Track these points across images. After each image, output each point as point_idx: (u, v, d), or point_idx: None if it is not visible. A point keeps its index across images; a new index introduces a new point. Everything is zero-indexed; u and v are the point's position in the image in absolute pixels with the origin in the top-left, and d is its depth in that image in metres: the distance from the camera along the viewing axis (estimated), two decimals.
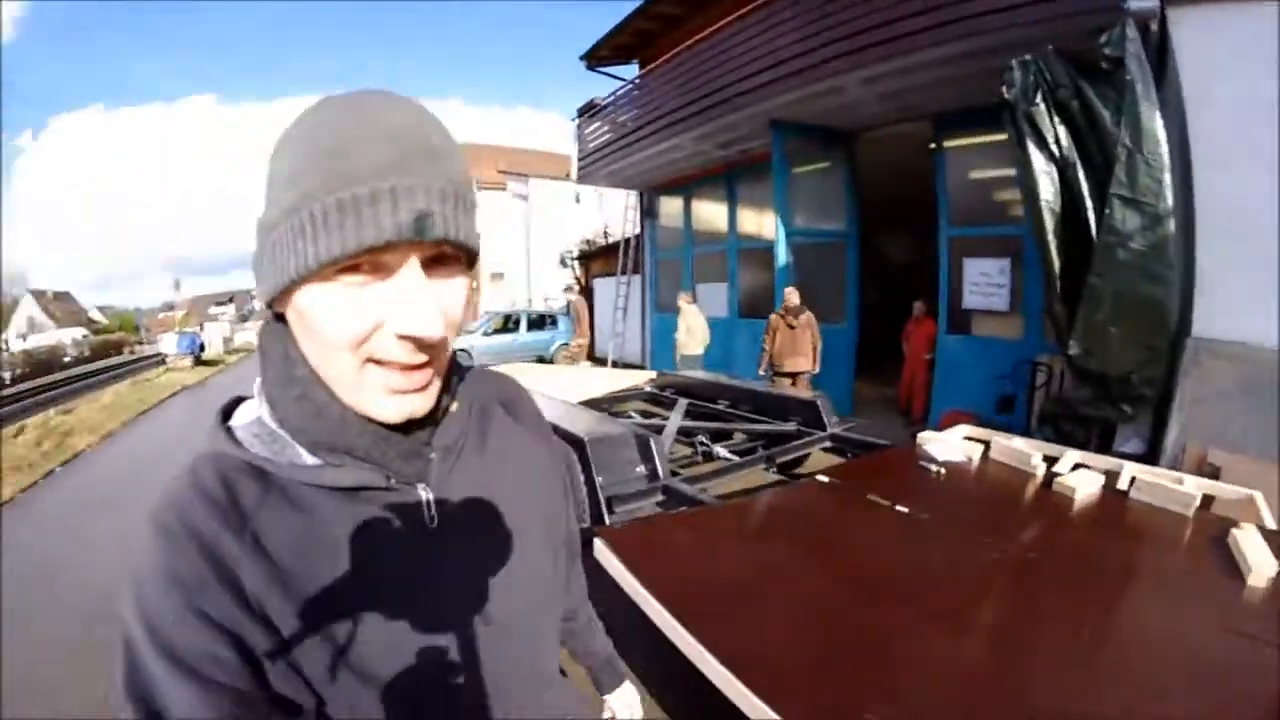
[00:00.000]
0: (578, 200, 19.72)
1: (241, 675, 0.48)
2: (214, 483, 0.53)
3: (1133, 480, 2.37)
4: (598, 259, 15.00)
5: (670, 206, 11.17)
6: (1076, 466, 2.55)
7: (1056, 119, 4.28)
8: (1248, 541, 1.78)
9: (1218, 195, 4.01)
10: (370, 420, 0.56)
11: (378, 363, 0.53)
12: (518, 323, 14.38)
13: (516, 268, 21.30)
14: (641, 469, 2.89)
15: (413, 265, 0.50)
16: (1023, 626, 1.62)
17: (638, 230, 12.02)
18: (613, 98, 9.92)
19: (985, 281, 6.17)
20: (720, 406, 4.61)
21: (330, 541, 0.55)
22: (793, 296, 6.53)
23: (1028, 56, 4.28)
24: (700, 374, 5.79)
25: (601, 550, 1.98)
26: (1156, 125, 3.89)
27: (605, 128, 10.04)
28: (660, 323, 11.20)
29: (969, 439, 3.08)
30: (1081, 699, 1.29)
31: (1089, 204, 4.24)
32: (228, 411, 0.61)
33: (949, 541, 2.14)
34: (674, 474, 3.05)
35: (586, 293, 15.46)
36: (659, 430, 3.77)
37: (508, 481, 0.68)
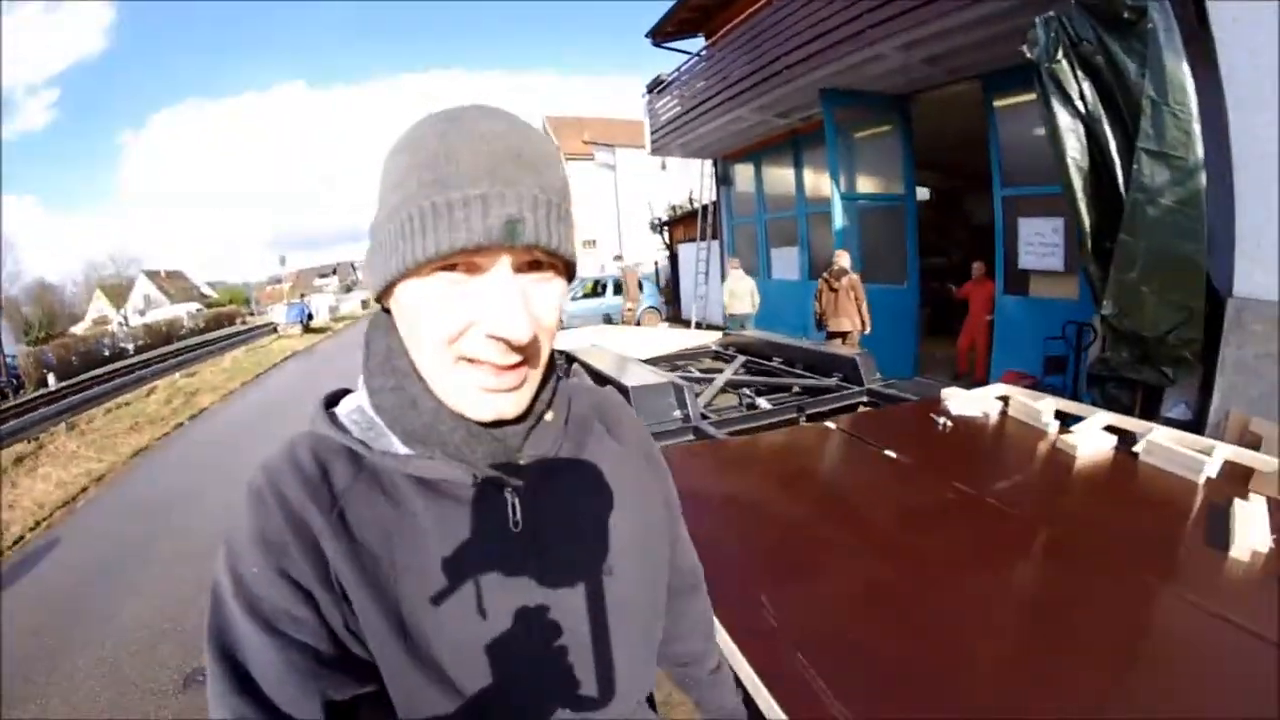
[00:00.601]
0: (664, 167, 19.93)
1: (315, 635, 0.50)
2: (308, 459, 0.55)
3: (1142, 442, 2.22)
4: (681, 225, 15.27)
5: (743, 173, 11.23)
6: (1107, 428, 2.39)
7: (1080, 74, 4.14)
8: (1247, 513, 1.64)
9: (1259, 141, 3.70)
10: (463, 417, 0.56)
11: (470, 361, 0.53)
12: (604, 287, 15.01)
13: (608, 234, 21.93)
14: (678, 413, 3.34)
15: (502, 268, 0.51)
16: (937, 563, 1.68)
17: (714, 197, 12.21)
18: (676, 73, 10.06)
19: (1039, 241, 5.97)
20: (774, 363, 4.92)
21: (412, 529, 0.56)
22: (840, 259, 6.66)
23: (1050, 13, 4.16)
24: (758, 333, 6.19)
25: None
26: (1183, 74, 3.71)
27: (673, 101, 10.22)
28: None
29: (1000, 398, 2.96)
30: (977, 646, 1.30)
31: (1117, 160, 4.09)
32: (331, 400, 0.63)
33: (917, 482, 2.24)
34: (704, 418, 3.46)
35: (672, 257, 15.90)
36: (709, 382, 4.33)
37: (600, 498, 0.67)
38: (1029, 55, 4.29)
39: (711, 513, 2.10)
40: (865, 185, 7.80)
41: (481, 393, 0.55)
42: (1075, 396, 5.07)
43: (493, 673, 0.56)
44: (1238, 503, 1.69)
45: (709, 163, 11.96)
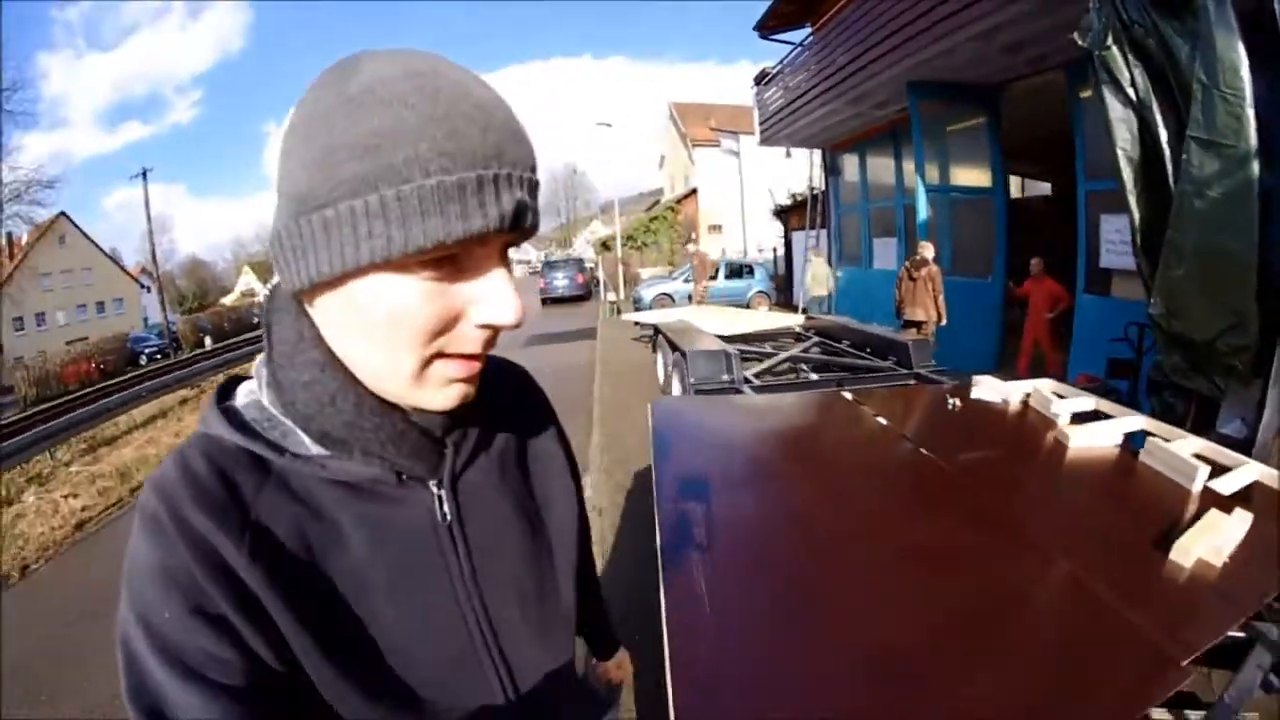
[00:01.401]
0: (788, 155, 19.70)
1: (244, 673, 0.44)
2: (205, 470, 0.47)
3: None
4: (796, 213, 15.18)
5: (849, 164, 11.01)
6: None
7: (1133, 60, 3.89)
8: (1216, 525, 1.53)
9: None
10: (390, 411, 0.51)
11: (443, 356, 0.48)
12: (717, 272, 15.42)
13: (733, 220, 22.11)
14: (725, 376, 3.97)
15: (499, 255, 0.47)
16: (858, 505, 1.85)
17: (823, 187, 12.11)
18: (780, 65, 10.09)
19: (1119, 239, 5.49)
20: (841, 345, 5.27)
21: (333, 538, 0.50)
22: (923, 250, 6.58)
23: None
24: (835, 318, 6.61)
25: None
26: (1236, 54, 3.38)
27: (778, 93, 10.28)
28: (844, 273, 11.37)
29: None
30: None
31: (1167, 151, 3.80)
32: (225, 391, 0.54)
33: (885, 443, 2.38)
34: (747, 381, 4.03)
35: (787, 244, 15.90)
36: (773, 355, 5.06)
37: (521, 477, 0.64)
38: (1081, 43, 4.08)
39: (694, 441, 2.48)
40: (956, 178, 7.50)
41: (449, 384, 0.49)
42: (1134, 402, 4.73)
43: (435, 673, 0.54)
44: (1212, 514, 1.57)
45: (818, 153, 11.88)
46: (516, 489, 0.63)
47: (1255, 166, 3.44)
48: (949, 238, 7.69)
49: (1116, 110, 4.03)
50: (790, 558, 1.55)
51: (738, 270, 15.83)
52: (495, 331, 0.49)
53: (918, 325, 6.57)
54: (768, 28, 10.99)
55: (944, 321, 6.54)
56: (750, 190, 20.92)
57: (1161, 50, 3.83)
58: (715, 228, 23.11)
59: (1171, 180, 3.82)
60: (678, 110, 25.48)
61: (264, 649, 0.45)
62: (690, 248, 16.62)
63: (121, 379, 13.74)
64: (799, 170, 19.40)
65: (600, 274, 19.27)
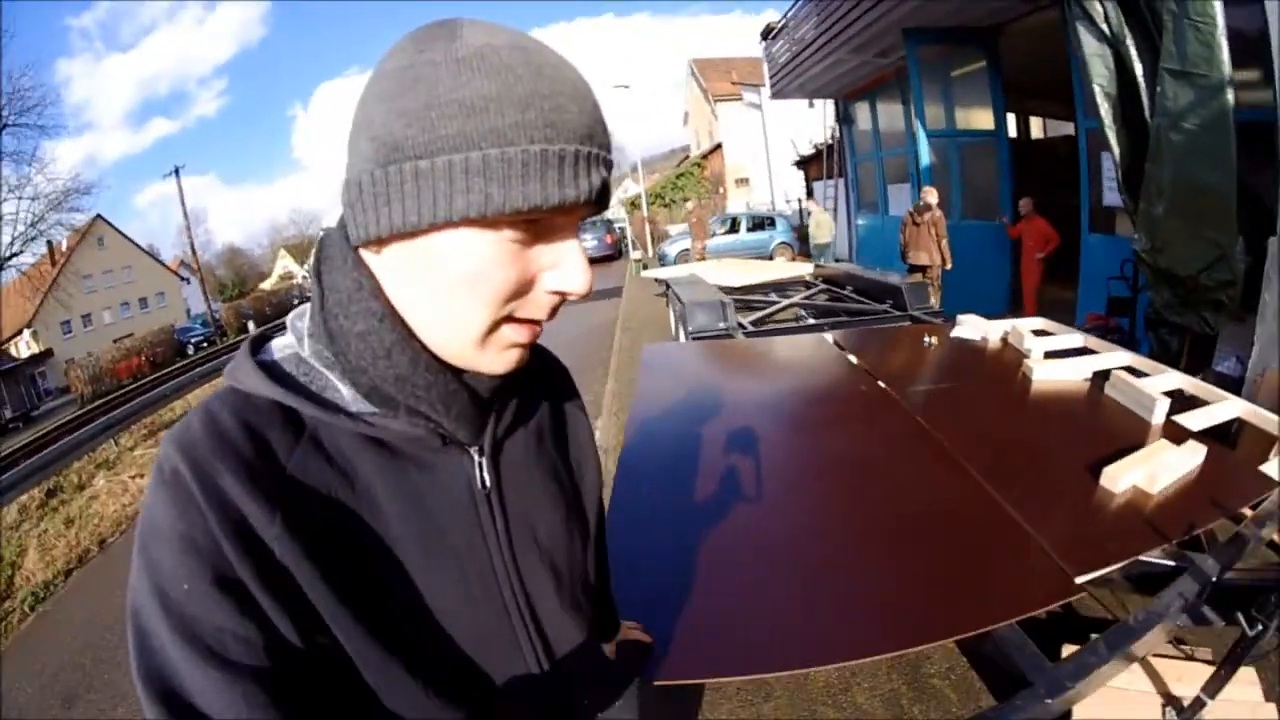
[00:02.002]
0: (810, 105, 19.23)
1: (270, 653, 0.41)
2: (236, 429, 0.44)
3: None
4: (814, 163, 15.00)
5: (861, 112, 10.83)
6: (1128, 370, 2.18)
7: None
8: (1156, 459, 1.53)
9: None
10: (443, 368, 0.49)
11: (512, 320, 0.48)
12: (738, 224, 15.66)
13: (759, 172, 21.81)
14: (721, 324, 4.18)
15: (574, 227, 0.48)
16: (804, 428, 2.07)
17: (839, 136, 11.94)
18: (784, 19, 9.94)
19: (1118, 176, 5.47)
20: (845, 290, 5.46)
21: (369, 502, 0.48)
22: (926, 195, 6.59)
23: None
24: (842, 266, 6.84)
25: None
26: None
27: (785, 46, 10.12)
28: (863, 221, 11.33)
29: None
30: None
31: (1143, 85, 3.78)
32: (256, 345, 0.51)
33: (846, 377, 2.57)
34: (740, 327, 4.26)
35: (808, 194, 15.76)
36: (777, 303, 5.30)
37: (555, 449, 0.64)
38: None
39: (675, 378, 2.83)
40: (962, 122, 7.43)
41: (510, 349, 0.49)
42: (1134, 340, 4.75)
43: (472, 646, 0.53)
44: (1158, 444, 1.60)
45: (832, 103, 11.70)
46: (550, 460, 0.63)
47: (1229, 96, 3.37)
48: (960, 182, 7.65)
49: (1091, 45, 4.01)
50: (731, 471, 1.77)
51: (760, 223, 15.82)
52: (562, 299, 0.50)
53: (923, 270, 6.62)
54: None
55: (949, 265, 6.56)
56: (775, 142, 20.53)
57: None
58: (742, 181, 22.85)
59: (1148, 114, 3.80)
60: (698, 67, 24.95)
61: (290, 625, 0.43)
62: (689, 205, 16.70)
63: (172, 368, 14.37)
64: (822, 120, 19.01)
65: (629, 233, 19.45)
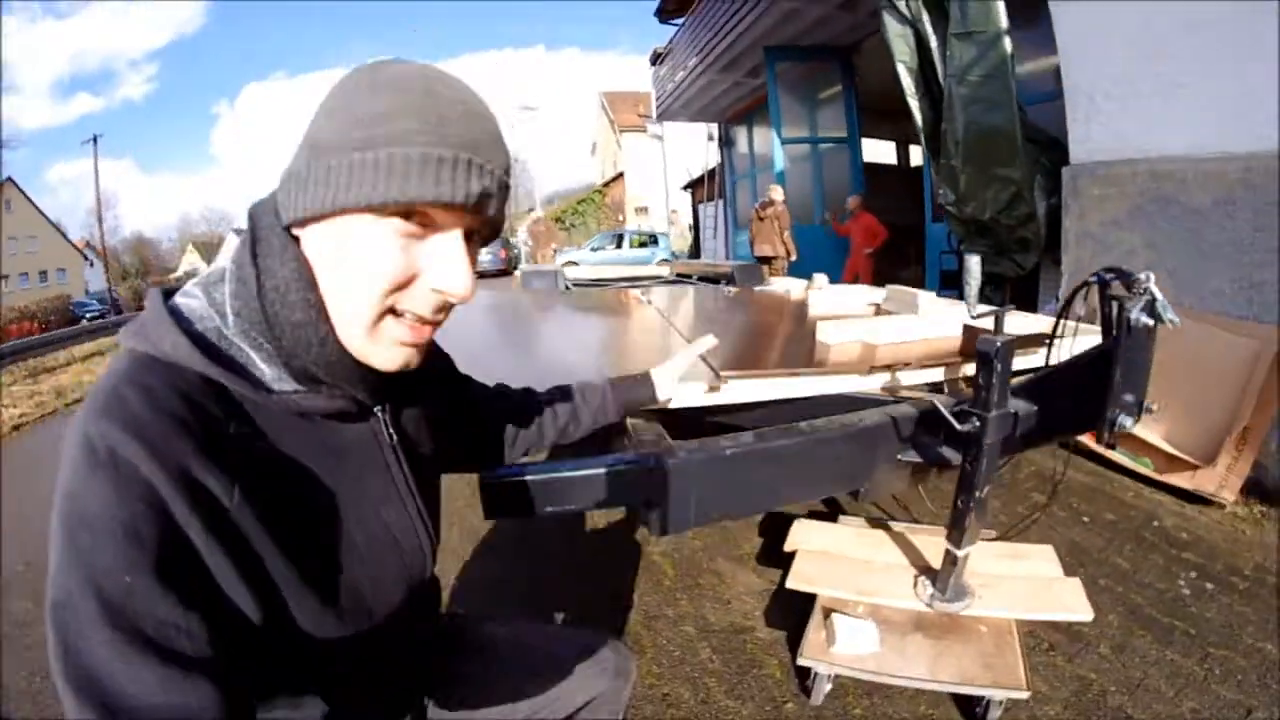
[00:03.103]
0: (710, 137, 20.48)
1: (215, 644, 0.40)
2: (180, 405, 0.44)
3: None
4: (700, 187, 16.03)
5: (740, 135, 11.76)
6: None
7: None
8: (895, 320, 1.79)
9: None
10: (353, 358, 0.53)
11: (395, 314, 0.51)
12: (622, 241, 17.08)
13: (658, 200, 22.77)
14: (556, 285, 4.63)
15: (457, 230, 0.51)
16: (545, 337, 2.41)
17: (719, 159, 12.85)
18: (668, 45, 10.74)
19: None
20: (692, 279, 5.90)
21: (301, 466, 0.52)
22: (771, 193, 7.14)
23: None
24: (691, 262, 7.36)
25: None
26: None
27: (670, 69, 10.90)
28: (737, 236, 12.13)
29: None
30: None
31: (937, 55, 4.03)
32: (169, 302, 0.51)
33: (624, 311, 2.85)
34: (567, 289, 4.63)
35: (694, 215, 17.02)
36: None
37: (425, 396, 0.69)
38: None
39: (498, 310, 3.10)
40: (821, 132, 8.38)
41: (397, 346, 0.53)
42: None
43: (399, 582, 0.60)
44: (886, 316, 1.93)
45: (714, 127, 12.62)
46: (425, 412, 0.70)
47: (1006, 43, 3.63)
48: (819, 188, 8.42)
49: (894, 27, 4.33)
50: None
51: (643, 241, 17.26)
52: (447, 304, 0.53)
53: (768, 261, 7.13)
54: (667, 13, 11.55)
55: (794, 257, 7.13)
56: (674, 171, 21.53)
57: None
58: (642, 209, 23.77)
59: (941, 78, 4.08)
60: (608, 99, 25.97)
61: (243, 596, 0.43)
62: (534, 215, 19.73)
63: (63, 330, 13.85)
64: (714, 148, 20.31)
65: (524, 252, 21.12)
